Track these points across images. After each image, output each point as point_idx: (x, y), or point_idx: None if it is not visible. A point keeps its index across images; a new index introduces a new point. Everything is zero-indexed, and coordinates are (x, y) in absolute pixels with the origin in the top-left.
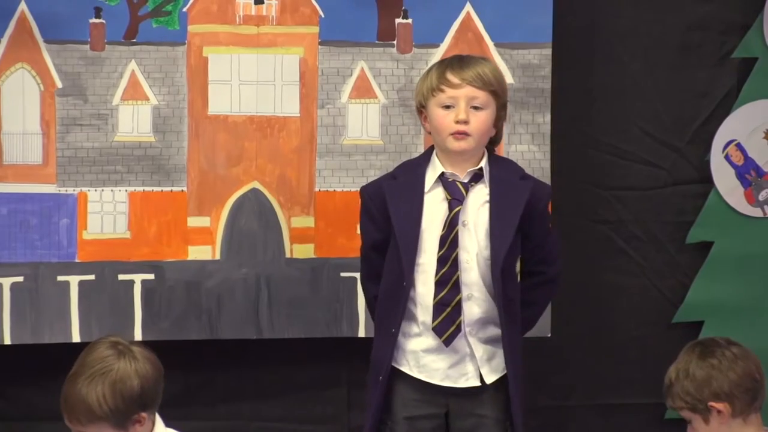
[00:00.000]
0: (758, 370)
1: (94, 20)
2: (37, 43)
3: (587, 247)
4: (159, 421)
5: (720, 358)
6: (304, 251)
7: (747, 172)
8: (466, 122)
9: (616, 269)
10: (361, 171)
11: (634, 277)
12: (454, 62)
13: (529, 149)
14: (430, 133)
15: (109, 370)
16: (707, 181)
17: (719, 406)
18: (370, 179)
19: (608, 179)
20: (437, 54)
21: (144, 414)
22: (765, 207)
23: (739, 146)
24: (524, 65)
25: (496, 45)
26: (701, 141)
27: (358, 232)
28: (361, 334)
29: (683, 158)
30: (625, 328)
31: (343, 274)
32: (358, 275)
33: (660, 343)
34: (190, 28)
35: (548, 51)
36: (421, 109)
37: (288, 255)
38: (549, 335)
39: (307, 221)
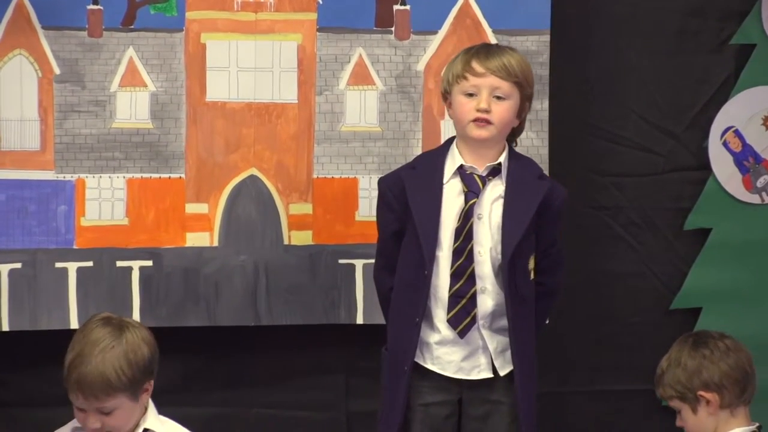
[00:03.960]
0: (749, 363)
1: (91, 7)
2: (35, 29)
3: (585, 234)
4: (152, 407)
5: (712, 349)
6: (302, 238)
7: (745, 158)
8: (487, 111)
9: (613, 256)
10: (359, 158)
11: (632, 264)
12: (481, 51)
13: (527, 136)
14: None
15: (119, 342)
16: (705, 167)
17: (708, 395)
18: (368, 166)
19: (606, 166)
20: (435, 40)
21: (151, 381)
22: (763, 193)
23: (737, 133)
24: (522, 52)
25: (495, 31)
26: (699, 127)
27: (356, 219)
28: (359, 320)
29: (681, 145)
30: (622, 314)
31: (341, 261)
32: (355, 261)
33: (657, 329)
34: (188, 14)
35: (546, 37)
36: (446, 95)
37: (286, 242)
38: (546, 321)
39: (305, 208)
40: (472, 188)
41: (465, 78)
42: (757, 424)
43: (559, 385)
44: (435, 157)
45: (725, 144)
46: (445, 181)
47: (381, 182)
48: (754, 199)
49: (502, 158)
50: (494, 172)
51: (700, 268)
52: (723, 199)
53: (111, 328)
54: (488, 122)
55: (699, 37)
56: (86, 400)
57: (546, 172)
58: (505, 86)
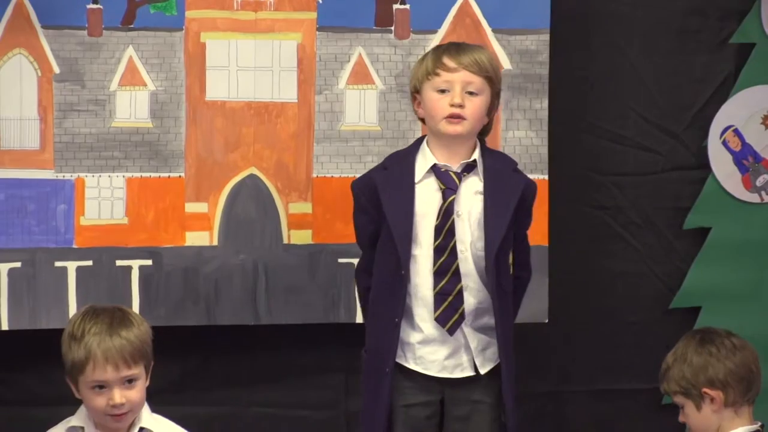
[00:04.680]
0: (755, 362)
1: (91, 6)
2: (35, 28)
3: (585, 233)
4: (146, 406)
5: (719, 347)
6: (301, 237)
7: (744, 157)
8: (461, 106)
9: (613, 255)
10: (359, 157)
11: (632, 263)
12: (451, 48)
13: (527, 135)
14: (422, 119)
15: (127, 315)
16: (705, 166)
17: (713, 393)
18: (368, 165)
19: (606, 165)
20: (435, 40)
21: (151, 363)
22: (762, 193)
23: (736, 132)
24: (522, 51)
25: (494, 30)
26: (699, 127)
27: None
28: (359, 320)
29: (681, 144)
30: (622, 313)
31: (340, 260)
32: (355, 261)
33: (657, 328)
34: (188, 13)
35: (546, 37)
36: (415, 95)
37: (285, 241)
38: (546, 320)
39: (304, 207)
40: (449, 185)
41: (437, 74)
42: (760, 424)
43: (559, 385)
44: (404, 156)
45: (725, 143)
46: (417, 180)
47: (354, 185)
48: (754, 198)
49: (476, 154)
50: (468, 168)
51: (699, 267)
52: (722, 198)
53: (107, 308)
54: (462, 118)
55: (699, 36)
56: (116, 370)
57: (546, 171)
58: (477, 81)
